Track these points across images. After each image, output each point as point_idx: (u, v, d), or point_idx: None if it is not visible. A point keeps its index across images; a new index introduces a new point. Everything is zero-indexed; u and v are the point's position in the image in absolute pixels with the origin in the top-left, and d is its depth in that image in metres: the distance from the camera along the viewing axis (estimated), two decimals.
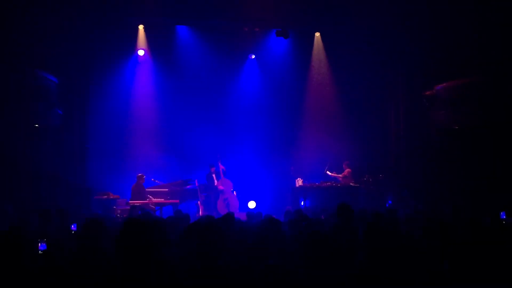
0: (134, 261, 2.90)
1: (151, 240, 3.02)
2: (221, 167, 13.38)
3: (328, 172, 13.66)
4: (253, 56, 15.04)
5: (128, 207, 11.33)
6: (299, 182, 13.29)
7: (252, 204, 13.67)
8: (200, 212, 12.46)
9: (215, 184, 13.24)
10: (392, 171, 14.08)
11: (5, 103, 10.90)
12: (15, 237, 3.17)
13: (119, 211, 11.33)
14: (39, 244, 4.33)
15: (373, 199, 12.82)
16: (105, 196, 11.50)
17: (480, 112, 11.94)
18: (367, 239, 3.81)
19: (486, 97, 11.82)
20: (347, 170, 13.59)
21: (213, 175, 13.31)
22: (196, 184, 12.88)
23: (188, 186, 12.51)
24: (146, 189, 11.97)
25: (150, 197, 11.68)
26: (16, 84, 11.19)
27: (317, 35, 15.08)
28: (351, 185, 13.18)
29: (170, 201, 11.69)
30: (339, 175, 13.62)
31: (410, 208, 10.03)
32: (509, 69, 11.28)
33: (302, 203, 12.66)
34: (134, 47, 13.94)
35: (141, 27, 13.96)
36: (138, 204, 11.22)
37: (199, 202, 12.76)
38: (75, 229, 6.11)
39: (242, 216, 8.25)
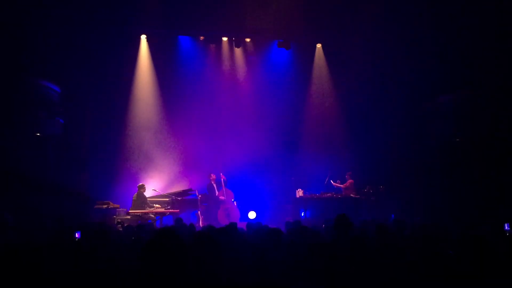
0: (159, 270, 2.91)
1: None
2: (222, 177, 13.37)
3: (331, 181, 13.65)
4: None
5: (129, 217, 11.33)
6: (299, 193, 13.27)
7: (252, 215, 13.65)
8: (200, 222, 12.44)
9: (216, 194, 13.22)
10: (393, 183, 14.05)
11: (8, 112, 10.93)
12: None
13: (119, 221, 11.31)
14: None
15: (374, 210, 12.77)
16: (105, 206, 11.47)
17: (481, 125, 11.94)
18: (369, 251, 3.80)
19: (487, 109, 11.83)
20: (349, 181, 13.58)
21: (214, 185, 13.29)
22: (197, 194, 12.85)
23: (188, 196, 12.49)
24: (147, 199, 11.96)
25: (157, 205, 11.71)
26: (19, 93, 11.22)
27: (319, 46, 15.15)
28: (351, 196, 13.15)
29: (170, 210, 11.67)
30: (342, 186, 13.60)
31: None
32: (510, 82, 11.31)
33: (302, 214, 12.63)
34: (136, 56, 14.01)
35: (143, 37, 14.05)
36: (138, 213, 11.23)
37: (199, 212, 12.73)
38: (79, 237, 6.07)
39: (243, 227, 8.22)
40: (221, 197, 13.19)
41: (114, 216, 11.42)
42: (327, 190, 13.54)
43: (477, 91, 12.06)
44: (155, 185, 12.96)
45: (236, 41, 14.62)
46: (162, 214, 11.57)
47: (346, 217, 5.41)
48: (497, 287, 3.63)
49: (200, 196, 12.93)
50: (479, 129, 12.03)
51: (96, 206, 11.52)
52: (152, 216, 11.39)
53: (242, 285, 3.37)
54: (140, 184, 12.00)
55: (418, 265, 4.09)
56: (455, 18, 11.62)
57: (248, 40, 14.78)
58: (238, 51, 14.80)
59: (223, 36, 14.57)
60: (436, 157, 13.25)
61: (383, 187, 13.47)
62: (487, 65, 11.54)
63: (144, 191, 11.90)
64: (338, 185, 13.64)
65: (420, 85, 13.47)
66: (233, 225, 5.81)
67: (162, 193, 12.53)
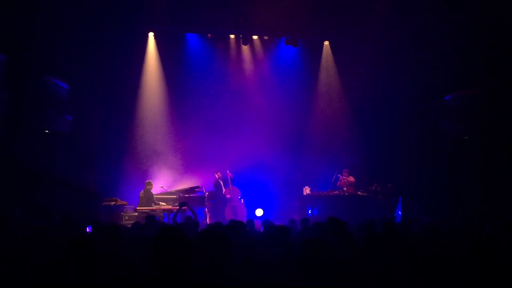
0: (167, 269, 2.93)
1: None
2: (229, 174, 13.38)
3: (339, 175, 13.62)
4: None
5: (136, 214, 11.38)
6: (306, 190, 13.25)
7: (259, 212, 13.66)
8: (207, 220, 12.47)
9: (223, 191, 13.24)
10: (401, 181, 13.98)
11: (16, 108, 10.99)
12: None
13: (126, 218, 11.37)
14: None
15: (382, 208, 12.72)
16: (113, 202, 11.54)
17: (489, 122, 11.85)
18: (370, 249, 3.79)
19: (496, 106, 11.74)
20: (351, 177, 13.60)
21: (221, 182, 13.31)
22: (204, 191, 12.88)
23: (195, 193, 12.52)
24: (154, 196, 12.01)
25: (163, 203, 11.76)
26: (27, 90, 11.28)
27: (326, 43, 15.10)
28: (359, 194, 13.10)
29: (178, 207, 11.70)
30: (350, 179, 13.54)
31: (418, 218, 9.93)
32: None
33: (309, 212, 12.61)
34: (144, 54, 14.04)
35: (151, 34, 14.07)
36: (146, 210, 11.27)
37: (206, 209, 12.75)
38: (90, 231, 6.09)
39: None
40: (228, 195, 13.21)
41: (122, 213, 11.49)
42: (334, 188, 13.52)
43: (486, 89, 11.96)
44: (163, 182, 13.00)
45: (244, 39, 14.60)
46: (169, 211, 11.61)
47: (338, 220, 5.38)
48: (505, 285, 3.61)
49: (207, 193, 12.96)
50: (487, 126, 11.94)
51: (104, 203, 11.60)
52: (160, 213, 11.43)
53: (250, 281, 3.37)
54: (147, 181, 12.05)
55: (426, 265, 4.08)
56: (465, 15, 11.52)
57: (255, 37, 14.76)
58: (245, 49, 14.78)
59: (231, 34, 14.55)
60: (444, 155, 13.17)
61: (391, 185, 13.40)
62: (496, 62, 11.45)
63: (151, 188, 11.94)
64: (346, 178, 13.58)
65: (429, 83, 13.39)
66: (239, 223, 5.81)
67: (169, 190, 12.58)
